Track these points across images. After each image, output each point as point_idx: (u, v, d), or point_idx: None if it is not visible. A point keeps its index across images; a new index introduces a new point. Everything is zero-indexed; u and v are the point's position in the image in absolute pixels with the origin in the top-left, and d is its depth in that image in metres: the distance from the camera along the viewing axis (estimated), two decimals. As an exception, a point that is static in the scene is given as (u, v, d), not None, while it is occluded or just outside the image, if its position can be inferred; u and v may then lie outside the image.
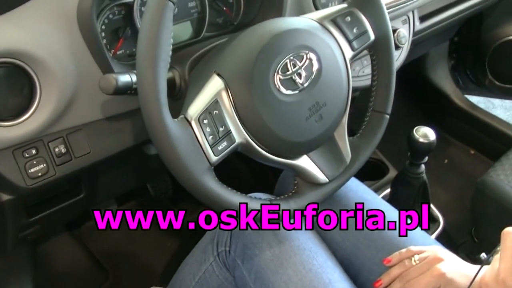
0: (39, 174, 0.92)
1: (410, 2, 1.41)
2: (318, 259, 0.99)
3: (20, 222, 1.12)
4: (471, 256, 1.46)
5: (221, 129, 0.82)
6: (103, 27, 1.01)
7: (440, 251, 0.96)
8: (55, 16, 0.89)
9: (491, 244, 0.93)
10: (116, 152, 1.02)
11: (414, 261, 0.96)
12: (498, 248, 0.80)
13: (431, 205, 1.55)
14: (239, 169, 1.84)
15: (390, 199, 1.54)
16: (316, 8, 1.19)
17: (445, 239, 1.46)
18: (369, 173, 1.70)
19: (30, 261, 1.57)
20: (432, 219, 1.54)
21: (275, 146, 0.89)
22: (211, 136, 0.81)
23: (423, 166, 1.42)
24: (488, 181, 1.40)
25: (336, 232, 1.08)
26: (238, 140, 0.84)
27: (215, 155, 0.81)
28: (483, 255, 1.04)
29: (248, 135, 0.85)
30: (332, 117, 0.93)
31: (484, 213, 1.47)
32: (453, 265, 0.93)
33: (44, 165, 0.93)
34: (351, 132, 1.02)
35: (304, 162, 0.95)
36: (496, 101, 2.61)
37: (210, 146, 0.81)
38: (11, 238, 1.17)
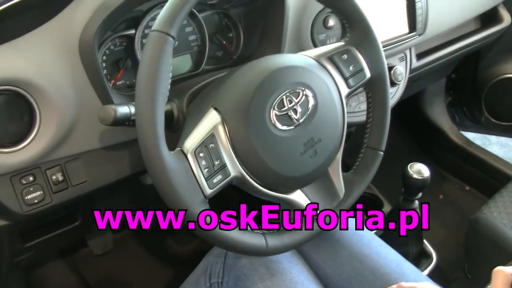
0: (36, 201, 0.93)
1: (407, 40, 1.43)
2: (309, 293, 0.99)
3: (15, 247, 1.13)
4: (463, 292, 1.46)
5: (216, 162, 0.83)
6: (104, 57, 1.03)
7: (431, 287, 0.97)
8: (57, 45, 0.91)
9: (484, 281, 0.94)
10: (113, 181, 1.03)
11: None
12: (489, 286, 0.81)
13: (425, 241, 1.55)
14: (234, 202, 1.85)
15: (383, 234, 1.54)
16: (315, 45, 1.21)
17: (439, 275, 1.47)
18: (364, 207, 1.71)
19: (23, 286, 1.57)
20: (425, 255, 1.55)
21: (270, 181, 0.89)
22: (206, 169, 0.82)
23: (417, 202, 1.43)
24: (482, 218, 1.40)
25: (328, 266, 1.08)
26: (233, 173, 0.85)
27: (210, 188, 0.82)
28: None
29: (243, 169, 0.86)
30: (326, 153, 0.94)
31: (478, 249, 1.47)
32: None
33: (41, 192, 0.94)
34: (346, 167, 1.03)
35: (298, 196, 0.96)
36: (492, 138, 2.63)
37: (205, 179, 0.81)
38: (6, 263, 1.17)
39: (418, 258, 1.53)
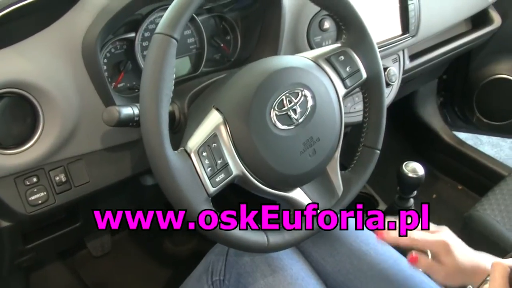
0: (39, 201, 0.94)
1: (400, 41, 1.45)
2: (310, 289, 1.01)
3: (17, 249, 1.13)
4: (458, 289, 1.48)
5: (219, 161, 0.85)
6: (105, 60, 1.04)
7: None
8: (61, 48, 0.92)
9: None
10: (115, 182, 1.04)
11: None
12: (488, 278, 0.83)
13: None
14: (234, 202, 1.86)
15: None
16: (311, 47, 1.23)
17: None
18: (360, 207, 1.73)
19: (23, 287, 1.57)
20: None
21: (270, 179, 0.91)
22: (209, 168, 0.83)
23: (412, 200, 1.45)
24: (475, 215, 1.43)
25: (327, 263, 1.10)
26: (235, 172, 0.87)
27: (213, 187, 0.84)
28: (470, 287, 1.06)
29: (244, 167, 0.88)
30: (325, 152, 0.96)
31: (471, 246, 1.48)
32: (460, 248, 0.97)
33: (44, 193, 0.94)
34: (342, 167, 1.05)
35: (298, 194, 0.97)
36: (484, 138, 2.66)
37: (209, 177, 0.83)
38: (7, 264, 1.18)
39: (414, 256, 1.55)
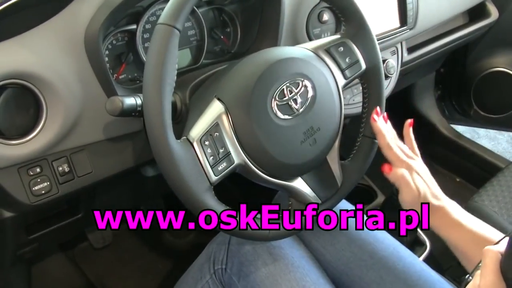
0: (43, 191, 0.95)
1: (398, 34, 1.46)
2: (311, 277, 1.02)
3: (20, 239, 1.14)
4: (457, 279, 1.49)
5: (221, 150, 0.86)
6: (107, 52, 1.05)
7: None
8: (63, 40, 0.93)
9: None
10: (117, 172, 1.05)
11: None
12: (480, 265, 0.84)
13: (418, 230, 1.58)
14: (234, 202, 1.86)
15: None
16: (310, 39, 1.24)
17: (432, 263, 1.49)
18: (358, 198, 1.74)
19: (25, 280, 1.58)
20: (419, 243, 1.57)
21: (272, 168, 0.92)
22: (211, 157, 0.84)
23: (410, 191, 1.45)
24: (473, 206, 1.43)
25: (327, 251, 1.11)
26: (237, 161, 0.88)
27: (215, 175, 0.85)
28: (468, 276, 1.07)
29: (246, 156, 0.89)
30: (325, 141, 0.97)
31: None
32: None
33: (48, 183, 0.95)
34: (341, 158, 1.06)
35: (298, 183, 0.99)
36: (481, 131, 2.66)
37: (211, 166, 0.84)
38: (10, 255, 1.19)
39: (413, 246, 1.56)
